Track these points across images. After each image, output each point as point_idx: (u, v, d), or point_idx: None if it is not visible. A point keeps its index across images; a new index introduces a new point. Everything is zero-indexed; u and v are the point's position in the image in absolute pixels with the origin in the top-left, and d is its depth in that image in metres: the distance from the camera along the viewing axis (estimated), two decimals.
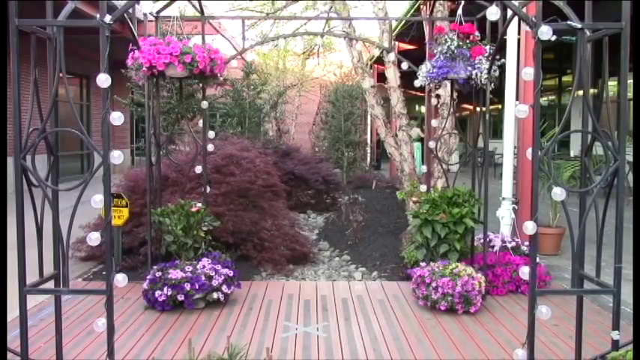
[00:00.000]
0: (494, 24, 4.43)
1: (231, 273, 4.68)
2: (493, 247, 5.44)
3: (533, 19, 2.97)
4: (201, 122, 5.52)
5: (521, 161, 6.44)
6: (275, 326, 4.22)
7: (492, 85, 4.76)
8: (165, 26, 5.14)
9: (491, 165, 13.26)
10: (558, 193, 2.95)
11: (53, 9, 3.07)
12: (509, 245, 5.50)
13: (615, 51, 3.07)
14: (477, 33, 4.73)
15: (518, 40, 6.15)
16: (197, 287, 4.46)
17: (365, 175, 13.35)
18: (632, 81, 3.22)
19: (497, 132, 16.45)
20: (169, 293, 4.41)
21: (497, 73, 4.62)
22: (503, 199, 6.15)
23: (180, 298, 4.44)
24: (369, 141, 17.27)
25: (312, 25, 13.34)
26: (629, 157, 3.61)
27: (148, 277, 4.60)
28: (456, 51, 4.57)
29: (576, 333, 3.29)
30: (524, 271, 2.98)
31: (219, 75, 4.75)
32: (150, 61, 4.29)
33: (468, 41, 4.66)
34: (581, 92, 3.10)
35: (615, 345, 3.12)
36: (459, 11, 4.76)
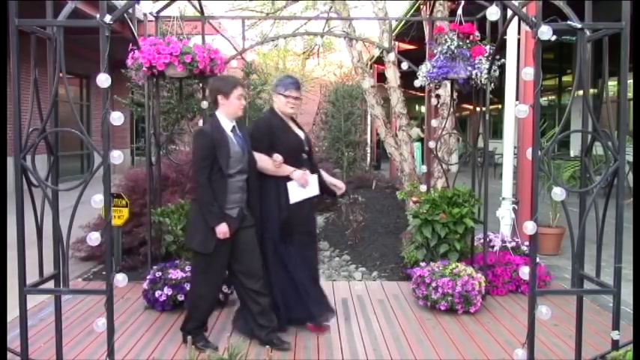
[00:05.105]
0: (494, 24, 4.43)
1: None
2: (493, 247, 5.44)
3: (533, 19, 2.96)
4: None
5: (521, 161, 6.44)
6: None
7: (492, 85, 4.76)
8: (165, 26, 5.14)
9: (491, 165, 13.24)
10: (558, 193, 2.95)
11: (53, 9, 3.07)
12: (509, 245, 5.50)
13: (615, 51, 3.07)
14: (477, 33, 4.72)
15: (518, 40, 6.15)
16: None
17: (365, 175, 13.33)
18: (632, 81, 3.22)
19: (497, 132, 16.45)
20: (169, 293, 4.41)
21: (497, 73, 4.62)
22: (503, 199, 6.15)
23: (181, 298, 4.43)
24: (369, 141, 17.25)
25: (312, 25, 13.32)
26: (629, 157, 3.61)
27: (148, 277, 4.60)
28: (456, 51, 4.57)
29: (576, 333, 3.29)
30: (524, 271, 2.98)
31: (219, 75, 4.75)
32: (150, 61, 4.29)
33: (468, 41, 4.65)
34: (581, 92, 3.10)
35: (615, 345, 3.12)
36: (459, 11, 4.76)
